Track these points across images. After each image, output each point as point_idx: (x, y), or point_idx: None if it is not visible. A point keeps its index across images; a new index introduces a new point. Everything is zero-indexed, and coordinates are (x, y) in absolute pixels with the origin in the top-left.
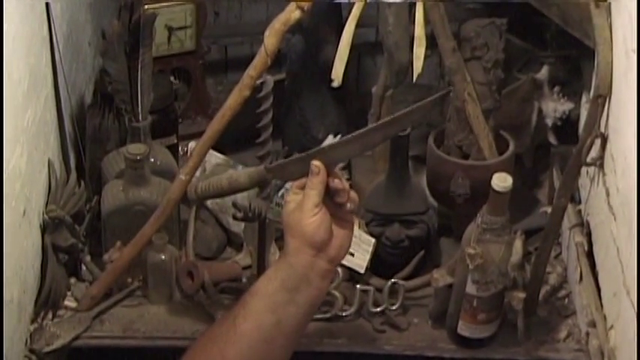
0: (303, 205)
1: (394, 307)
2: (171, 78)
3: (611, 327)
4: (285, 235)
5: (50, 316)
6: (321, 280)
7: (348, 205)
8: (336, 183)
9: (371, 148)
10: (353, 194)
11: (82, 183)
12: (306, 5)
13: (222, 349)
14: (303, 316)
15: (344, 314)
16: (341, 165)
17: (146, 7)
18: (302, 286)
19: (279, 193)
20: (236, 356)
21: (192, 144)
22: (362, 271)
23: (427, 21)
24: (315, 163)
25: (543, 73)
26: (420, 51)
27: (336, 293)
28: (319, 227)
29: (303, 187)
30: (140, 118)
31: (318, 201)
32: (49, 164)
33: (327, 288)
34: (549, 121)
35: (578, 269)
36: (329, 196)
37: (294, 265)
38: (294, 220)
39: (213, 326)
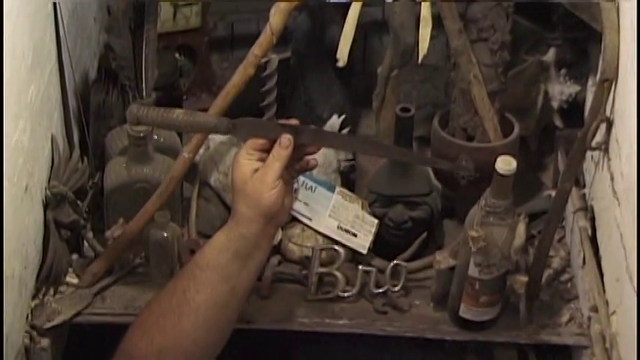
0: (264, 177)
1: (396, 289)
2: (176, 55)
3: (614, 312)
4: (236, 200)
5: (51, 292)
6: (269, 243)
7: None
8: (311, 164)
9: (348, 151)
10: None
11: (85, 159)
12: None
13: (177, 322)
14: (254, 277)
15: (345, 295)
16: None
17: None
18: (254, 252)
19: None
20: (193, 327)
21: None
22: (364, 251)
23: (433, 1)
24: (288, 136)
25: (550, 55)
26: (425, 32)
27: (338, 274)
28: (277, 199)
29: (257, 149)
30: (144, 94)
31: (280, 174)
32: (52, 140)
33: (271, 246)
34: (555, 104)
35: (582, 253)
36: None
37: (246, 235)
38: (252, 189)
39: (157, 301)
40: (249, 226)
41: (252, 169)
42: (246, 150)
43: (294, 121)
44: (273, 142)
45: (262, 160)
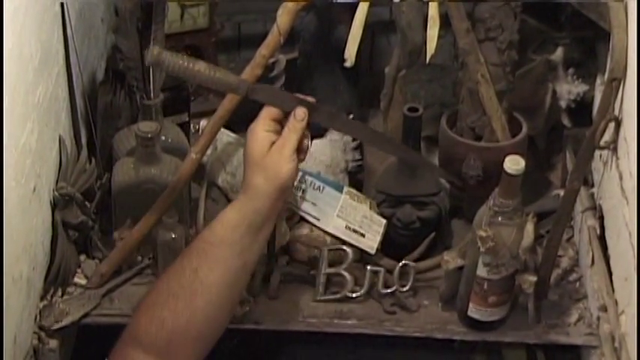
0: (282, 149)
1: (404, 289)
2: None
3: (622, 312)
4: (252, 173)
5: (60, 293)
6: (276, 216)
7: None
8: (304, 144)
9: (357, 139)
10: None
11: (93, 160)
12: None
13: (190, 302)
14: (263, 249)
15: (354, 295)
16: (354, 145)
17: None
18: (265, 226)
19: None
20: (206, 306)
21: (203, 122)
22: (372, 252)
23: (441, 1)
24: (303, 109)
25: (558, 54)
26: (433, 31)
27: (346, 274)
28: (294, 173)
29: (274, 119)
30: (152, 95)
31: (296, 147)
32: (60, 141)
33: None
34: (563, 103)
35: (590, 253)
36: None
37: (260, 210)
38: (271, 162)
39: (163, 284)
40: (264, 200)
41: (270, 142)
42: (263, 121)
43: (310, 98)
44: (286, 115)
45: (278, 132)
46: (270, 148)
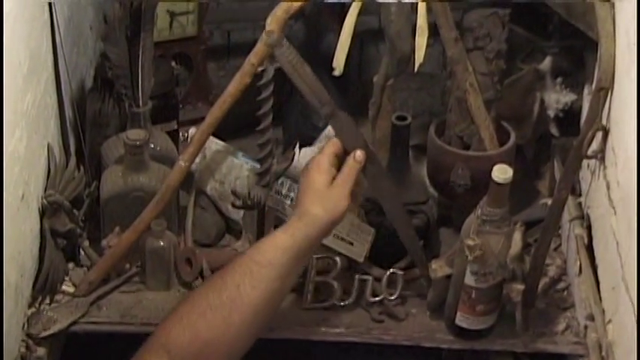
0: (345, 185)
1: (392, 297)
2: (173, 63)
3: (610, 321)
4: (311, 203)
5: (48, 300)
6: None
7: None
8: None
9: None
10: None
11: (82, 168)
12: None
13: (227, 316)
14: (298, 275)
15: (342, 304)
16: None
17: None
18: (308, 254)
19: (279, 181)
20: (242, 322)
21: (192, 130)
22: (361, 260)
23: (430, 10)
24: (364, 152)
25: (546, 63)
26: (421, 40)
27: (335, 283)
28: (346, 211)
29: (337, 156)
30: (140, 103)
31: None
32: (49, 148)
33: None
34: (551, 113)
35: (578, 262)
36: None
37: (311, 237)
38: (333, 195)
39: (201, 296)
40: (318, 230)
41: (332, 175)
42: (329, 155)
43: (372, 148)
44: (345, 153)
45: (337, 168)
46: (332, 181)
